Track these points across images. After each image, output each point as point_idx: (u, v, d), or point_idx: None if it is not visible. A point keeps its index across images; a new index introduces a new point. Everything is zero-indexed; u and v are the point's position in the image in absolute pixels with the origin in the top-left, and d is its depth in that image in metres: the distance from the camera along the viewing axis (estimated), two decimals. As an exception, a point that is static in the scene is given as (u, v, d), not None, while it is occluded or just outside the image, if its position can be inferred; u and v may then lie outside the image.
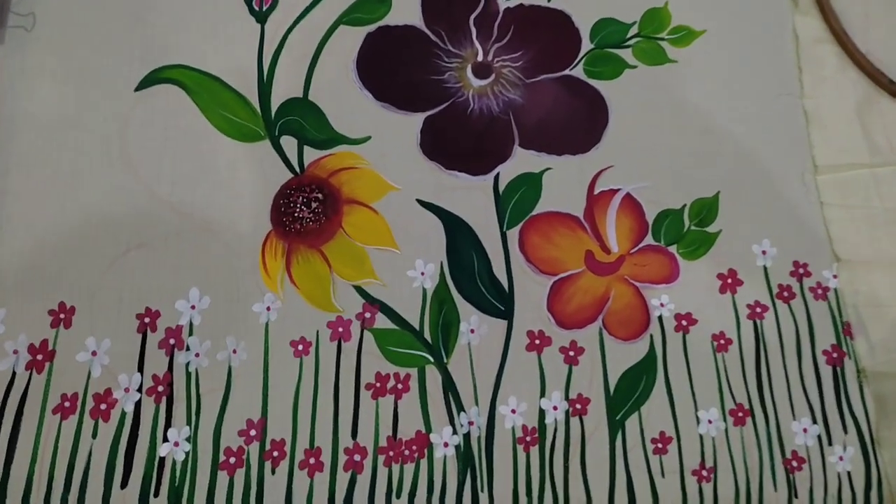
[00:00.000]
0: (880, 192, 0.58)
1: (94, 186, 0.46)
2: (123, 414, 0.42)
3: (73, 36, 0.49)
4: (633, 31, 0.60)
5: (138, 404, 0.43)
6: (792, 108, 0.60)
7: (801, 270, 0.55)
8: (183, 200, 0.47)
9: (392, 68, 0.55)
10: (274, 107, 0.51)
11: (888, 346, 0.53)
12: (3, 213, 0.44)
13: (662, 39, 0.60)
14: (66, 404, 0.42)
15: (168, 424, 0.43)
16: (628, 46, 0.59)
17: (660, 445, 0.48)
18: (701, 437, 0.49)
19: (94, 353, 0.43)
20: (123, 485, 0.41)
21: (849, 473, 0.49)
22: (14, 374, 0.42)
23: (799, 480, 0.49)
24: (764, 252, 0.55)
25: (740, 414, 0.50)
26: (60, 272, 0.44)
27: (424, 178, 0.52)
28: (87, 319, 0.43)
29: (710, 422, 0.49)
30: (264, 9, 0.54)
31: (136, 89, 0.50)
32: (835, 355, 0.52)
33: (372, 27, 0.56)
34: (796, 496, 0.48)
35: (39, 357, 0.42)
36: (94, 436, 0.42)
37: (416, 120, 0.53)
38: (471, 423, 0.46)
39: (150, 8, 0.51)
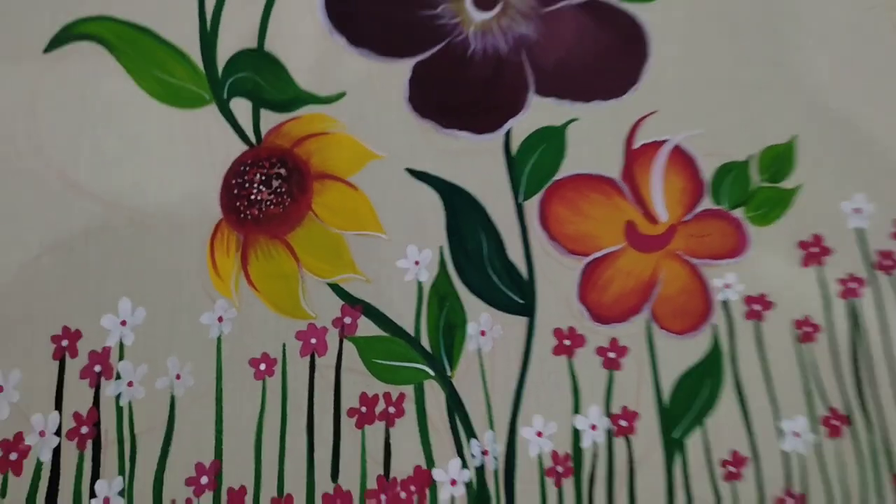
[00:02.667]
0: None
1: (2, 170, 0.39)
2: (39, 464, 0.35)
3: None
4: None
5: (57, 451, 0.35)
6: (884, 25, 0.49)
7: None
8: (107, 187, 0.39)
9: (370, 4, 0.46)
10: (221, 62, 0.43)
11: None
12: None
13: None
14: (-33, 456, 0.35)
15: (95, 475, 0.35)
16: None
17: (732, 469, 0.39)
18: (786, 454, 0.40)
19: (1, 388, 0.36)
20: None
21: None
22: None
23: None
24: (857, 210, 0.45)
25: (836, 422, 0.41)
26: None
27: (416, 142, 0.43)
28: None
29: (796, 434, 0.40)
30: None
31: (46, 50, 0.41)
32: None
33: (343, -47, 0.46)
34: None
35: (-69, 397, 0.35)
36: (3, 494, 0.35)
37: (404, 67, 0.45)
38: (485, 453, 0.38)
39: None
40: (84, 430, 0.36)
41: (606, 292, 0.42)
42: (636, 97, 0.46)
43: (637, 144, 0.45)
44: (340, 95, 0.44)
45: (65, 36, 0.42)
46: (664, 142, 0.45)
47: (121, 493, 0.35)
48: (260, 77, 0.43)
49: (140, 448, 0.36)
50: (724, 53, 0.47)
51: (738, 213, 0.44)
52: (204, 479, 0.36)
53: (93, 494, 0.35)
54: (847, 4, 0.49)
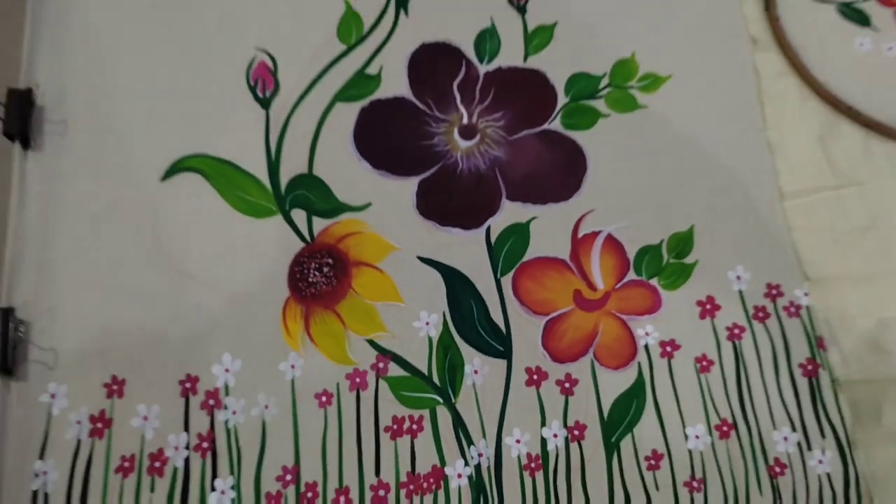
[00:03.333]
0: (845, 212, 0.67)
1: (132, 269, 0.56)
2: (175, 469, 0.52)
3: (101, 138, 0.60)
4: (605, 82, 0.70)
5: (187, 460, 0.52)
6: (756, 141, 0.69)
7: (774, 291, 0.64)
8: (210, 276, 0.57)
9: (386, 138, 0.65)
10: (283, 184, 0.61)
11: (859, 355, 0.61)
12: (56, 301, 0.54)
13: (632, 88, 0.70)
14: (126, 464, 0.51)
15: (214, 475, 0.52)
16: (601, 97, 0.69)
17: (653, 462, 0.57)
18: (690, 451, 0.58)
19: (145, 418, 0.53)
20: None
21: (828, 475, 0.58)
22: (79, 441, 0.51)
23: (782, 485, 0.57)
24: (738, 277, 0.64)
25: (725, 428, 0.59)
26: (110, 349, 0.54)
27: (422, 237, 0.61)
28: (138, 389, 0.53)
29: (697, 437, 0.58)
30: (267, 95, 0.64)
31: (162, 179, 0.60)
32: (810, 367, 0.61)
33: (365, 102, 0.66)
34: (780, 499, 0.57)
35: (99, 425, 0.52)
36: (153, 490, 0.51)
37: (412, 184, 0.63)
38: (480, 455, 0.55)
39: (166, 104, 0.61)
40: (205, 445, 0.53)
41: (562, 341, 0.60)
42: (579, 200, 0.65)
43: (581, 234, 0.64)
44: (367, 205, 0.62)
45: (175, 169, 0.60)
46: (600, 232, 0.64)
47: (232, 488, 0.52)
48: (311, 193, 0.61)
49: (243, 456, 0.53)
50: (641, 166, 0.67)
51: (654, 281, 0.63)
52: (288, 477, 0.53)
53: (213, 489, 0.52)
54: (727, 131, 0.69)
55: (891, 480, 0.58)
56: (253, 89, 0.64)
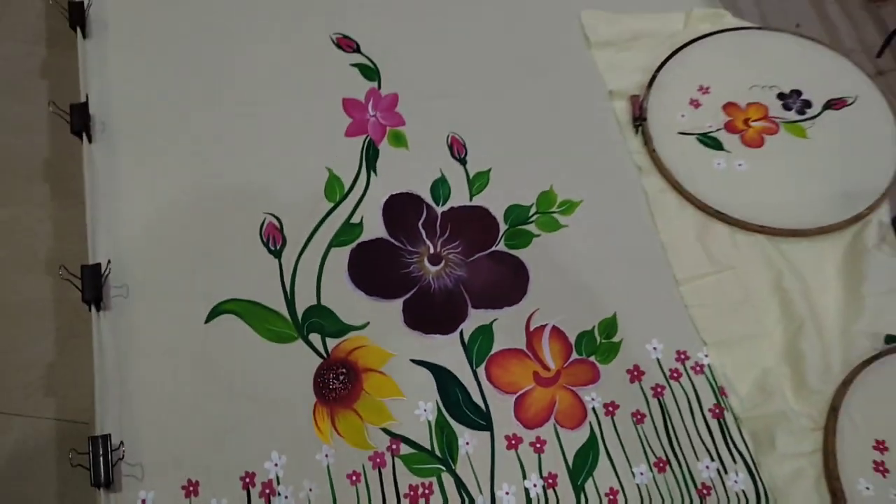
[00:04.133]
0: (724, 291, 0.88)
1: (189, 392, 0.72)
2: (246, 547, 0.66)
3: (155, 292, 0.76)
4: (533, 210, 0.91)
5: (254, 539, 0.66)
6: (652, 243, 0.91)
7: (682, 356, 0.83)
8: (253, 393, 0.73)
9: (373, 270, 0.84)
10: (299, 315, 0.79)
11: (752, 398, 0.81)
12: (138, 426, 0.69)
13: (554, 212, 0.91)
14: (208, 547, 0.65)
15: (278, 547, 0.66)
16: (532, 222, 0.90)
17: (611, 497, 0.74)
18: (637, 485, 0.75)
19: None
20: None
21: (743, 492, 0.76)
22: (168, 534, 0.65)
23: (710, 503, 0.75)
24: (655, 348, 0.84)
25: (661, 464, 0.76)
26: (184, 459, 0.68)
27: (412, 344, 0.79)
28: (209, 488, 0.68)
29: (642, 474, 0.76)
30: (278, 248, 0.83)
31: (206, 321, 0.76)
32: (717, 411, 0.80)
33: (353, 245, 0.85)
34: (709, 513, 0.74)
35: (182, 519, 0.66)
36: (229, 565, 0.65)
37: (398, 303, 0.82)
38: None
39: (206, 258, 0.79)
40: None
41: (529, 412, 0.78)
42: (527, 302, 0.84)
43: (532, 328, 0.83)
44: (366, 324, 0.80)
45: (215, 311, 0.77)
46: (546, 325, 0.83)
47: None
48: (322, 320, 0.79)
49: None
50: (570, 271, 0.87)
51: (592, 358, 0.82)
52: (334, 543, 0.68)
53: None
54: (629, 237, 0.91)
55: (789, 490, 0.76)
56: (266, 244, 0.82)
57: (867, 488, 0.74)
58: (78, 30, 0.92)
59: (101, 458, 0.65)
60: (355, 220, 0.86)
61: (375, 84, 0.98)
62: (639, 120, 0.99)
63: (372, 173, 0.90)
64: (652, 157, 0.98)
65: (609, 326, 0.84)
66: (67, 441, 0.82)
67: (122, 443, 0.68)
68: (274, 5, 1.01)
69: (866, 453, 0.76)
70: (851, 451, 0.76)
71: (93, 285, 0.73)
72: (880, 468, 0.75)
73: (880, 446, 0.76)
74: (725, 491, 0.75)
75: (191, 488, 0.67)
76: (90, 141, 0.85)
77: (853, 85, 1.03)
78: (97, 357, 0.71)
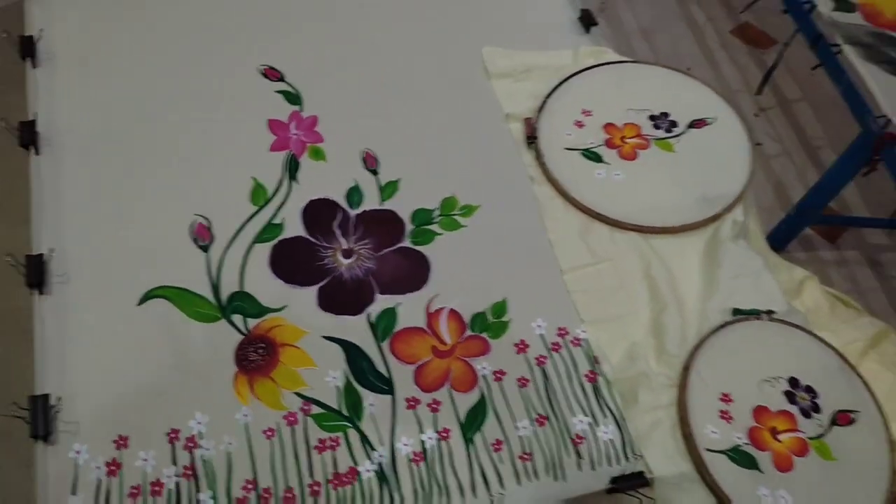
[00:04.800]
0: (602, 279, 1.02)
1: (121, 363, 0.81)
2: (170, 490, 0.75)
3: (92, 280, 0.86)
4: (437, 213, 1.04)
5: (178, 484, 0.76)
6: (541, 241, 1.04)
7: (563, 332, 0.96)
8: (179, 364, 0.83)
9: (292, 262, 0.95)
10: (223, 299, 0.89)
11: (621, 365, 0.94)
12: (76, 389, 0.78)
13: (455, 215, 1.04)
14: (135, 491, 0.74)
15: (198, 490, 0.76)
16: (435, 223, 1.03)
17: (497, 447, 0.85)
18: (520, 437, 0.86)
19: (145, 460, 0.76)
20: None
21: (611, 440, 0.88)
22: (99, 480, 0.74)
23: (582, 450, 0.87)
24: (539, 325, 0.96)
25: (541, 420, 0.88)
26: (116, 418, 0.78)
27: (324, 323, 0.90)
28: (137, 442, 0.77)
29: (524, 428, 0.87)
30: (206, 243, 0.94)
31: (138, 304, 0.87)
32: (591, 376, 0.93)
33: (275, 241, 0.96)
34: (581, 458, 0.86)
35: (113, 468, 0.75)
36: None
37: (314, 290, 0.93)
38: (381, 457, 0.82)
39: (139, 252, 0.89)
40: (189, 472, 0.77)
41: (427, 379, 0.89)
42: (428, 289, 0.96)
43: (432, 310, 0.95)
44: (284, 307, 0.91)
45: (147, 296, 0.88)
46: (444, 308, 0.96)
47: (212, 498, 0.76)
48: (244, 303, 0.90)
49: (217, 477, 0.77)
50: (467, 264, 1.00)
51: (485, 335, 0.94)
52: (250, 486, 0.77)
53: (198, 501, 0.75)
54: (521, 236, 1.04)
55: (650, 437, 0.88)
56: (195, 241, 0.93)
57: (714, 432, 0.87)
58: (28, 60, 1.04)
59: (40, 414, 0.74)
60: (277, 220, 0.98)
61: (298, 108, 1.11)
62: (531, 138, 1.14)
63: (293, 182, 1.02)
64: (542, 169, 1.12)
65: (500, 309, 0.96)
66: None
67: (59, 399, 0.77)
68: (208, 41, 1.15)
69: (713, 404, 0.89)
70: (701, 403, 0.89)
71: (36, 272, 0.83)
72: (725, 416, 0.88)
73: (725, 398, 0.89)
74: (596, 440, 0.87)
75: (121, 442, 0.76)
76: (37, 153, 0.95)
77: (713, 108, 1.20)
78: (38, 332, 0.80)
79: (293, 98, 1.12)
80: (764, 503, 0.84)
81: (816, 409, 0.91)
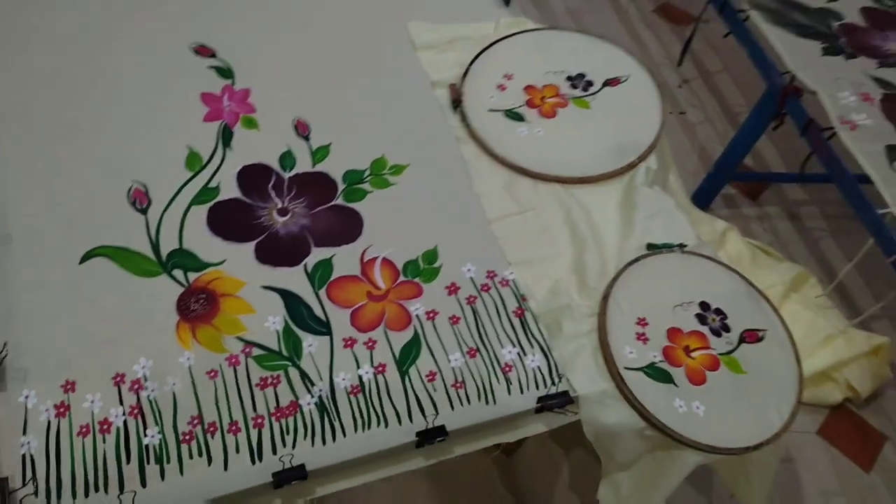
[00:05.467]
0: (527, 226, 1.09)
1: (67, 316, 0.85)
2: (118, 428, 0.79)
3: (35, 241, 0.90)
4: (367, 172, 1.10)
5: (125, 422, 0.80)
6: (469, 194, 1.11)
7: (491, 274, 1.03)
8: (123, 315, 0.87)
9: (229, 221, 1.00)
10: (164, 256, 0.94)
11: (546, 300, 1.01)
12: (24, 339, 0.82)
13: (385, 174, 1.11)
14: (84, 430, 0.78)
15: (145, 427, 0.80)
16: (366, 182, 1.09)
17: (430, 377, 0.91)
18: (452, 368, 0.93)
19: (92, 402, 0.80)
20: (128, 461, 0.77)
21: (538, 367, 0.95)
22: (49, 421, 0.78)
23: (511, 377, 0.93)
24: (469, 269, 1.03)
25: (472, 352, 0.94)
26: (63, 365, 0.82)
27: (262, 275, 0.95)
28: (84, 386, 0.81)
29: (456, 360, 0.93)
30: (143, 207, 0.98)
31: (80, 262, 0.91)
32: (519, 312, 1.00)
33: (211, 203, 1.01)
34: (510, 384, 0.92)
35: (62, 410, 0.79)
36: (104, 442, 0.78)
37: (251, 245, 0.98)
38: (321, 391, 0.87)
39: (80, 215, 0.93)
40: (136, 411, 0.81)
41: (363, 320, 0.95)
42: (361, 241, 1.02)
43: (365, 260, 1.01)
44: (223, 261, 0.96)
45: (88, 255, 0.92)
46: (377, 257, 1.01)
47: (158, 432, 0.80)
48: (184, 259, 0.94)
49: (163, 414, 0.81)
50: (397, 218, 1.06)
51: (417, 280, 1.00)
52: (196, 421, 0.82)
53: (146, 435, 0.79)
54: (451, 191, 1.11)
55: (574, 362, 0.95)
56: (133, 204, 0.98)
57: (631, 353, 0.94)
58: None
59: (-12, 362, 0.77)
60: (212, 185, 1.02)
61: (230, 82, 1.16)
62: (456, 102, 1.21)
63: (227, 149, 1.07)
64: (468, 130, 1.19)
65: (431, 256, 1.02)
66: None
67: (5, 344, 0.80)
68: (141, 20, 1.19)
69: (630, 328, 0.96)
70: (619, 327, 0.96)
71: (-21, 234, 0.87)
72: (641, 338, 0.96)
73: (641, 322, 0.97)
74: (524, 368, 0.94)
75: (68, 386, 0.80)
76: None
77: (626, 67, 1.29)
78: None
79: (225, 73, 1.17)
80: (679, 411, 0.91)
81: (726, 328, 0.99)
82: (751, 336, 0.99)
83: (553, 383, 0.92)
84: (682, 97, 1.92)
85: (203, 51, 1.19)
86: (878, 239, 1.15)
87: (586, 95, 1.25)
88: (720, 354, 0.96)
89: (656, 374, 0.93)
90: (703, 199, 1.64)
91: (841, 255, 1.43)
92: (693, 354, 0.95)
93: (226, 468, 0.79)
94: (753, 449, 0.91)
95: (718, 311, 1.00)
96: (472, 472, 1.11)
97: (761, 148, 1.81)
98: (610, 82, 1.26)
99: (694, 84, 1.99)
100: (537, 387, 0.92)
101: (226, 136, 1.08)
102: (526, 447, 1.17)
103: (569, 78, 1.27)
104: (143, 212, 0.97)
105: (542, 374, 0.93)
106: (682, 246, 1.06)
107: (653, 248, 1.05)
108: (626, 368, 0.93)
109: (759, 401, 0.95)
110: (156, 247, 0.94)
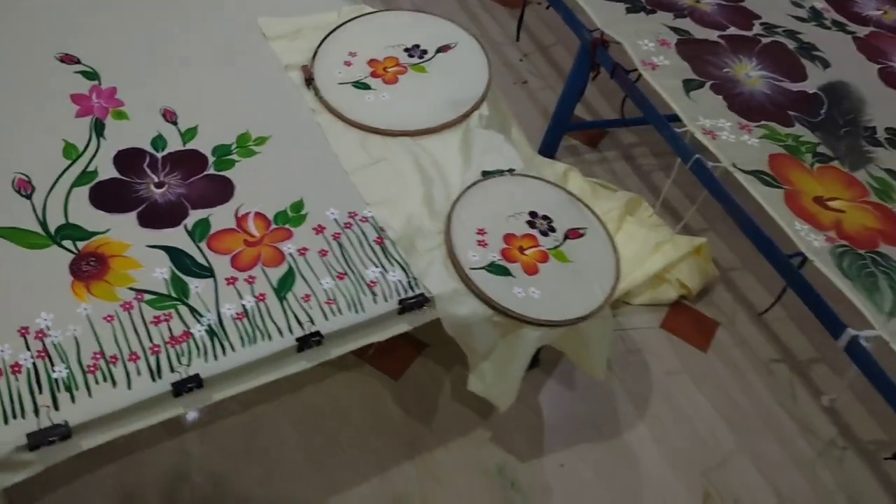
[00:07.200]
0: (380, 173, 1.25)
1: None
2: (28, 369, 0.90)
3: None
4: (234, 146, 1.24)
5: (34, 363, 0.90)
6: (328, 154, 1.26)
7: (353, 214, 1.18)
8: (25, 281, 0.98)
9: (110, 197, 1.12)
10: (52, 231, 1.05)
11: (402, 228, 1.17)
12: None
13: (250, 146, 1.25)
14: (-4, 374, 0.89)
15: (53, 366, 0.91)
16: (234, 153, 1.23)
17: (306, 299, 1.05)
18: (324, 289, 1.07)
19: (2, 350, 0.91)
20: (40, 392, 0.88)
21: (399, 280, 1.10)
22: (-37, 371, 0.88)
23: (376, 290, 1.08)
24: (332, 213, 1.18)
25: (341, 276, 1.09)
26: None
27: (146, 237, 1.08)
28: (-8, 339, 0.91)
29: (327, 283, 1.08)
30: (28, 193, 1.09)
31: (-26, 243, 1.01)
32: (379, 240, 1.15)
33: (92, 184, 1.13)
34: (376, 295, 1.08)
35: (-27, 361, 0.89)
36: (17, 380, 0.89)
37: (133, 215, 1.10)
38: (209, 320, 1.00)
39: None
40: (43, 354, 0.92)
41: (242, 262, 1.08)
42: (233, 201, 1.16)
43: (239, 215, 1.14)
44: (108, 230, 1.07)
45: (-19, 237, 1.02)
46: (250, 212, 1.15)
47: (66, 368, 0.91)
48: (71, 231, 1.06)
49: (68, 354, 0.92)
50: (266, 176, 1.20)
51: (287, 225, 1.14)
52: (97, 356, 0.93)
53: (54, 371, 0.90)
54: (303, 153, 1.26)
55: (428, 272, 1.11)
56: (18, 192, 1.08)
57: (474, 256, 1.11)
58: None
59: None
60: (91, 168, 1.14)
61: (97, 83, 1.28)
62: (309, 80, 1.36)
63: (101, 139, 1.19)
64: (322, 103, 1.34)
65: (297, 206, 1.17)
66: None
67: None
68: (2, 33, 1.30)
69: (472, 237, 1.14)
70: (462, 238, 1.13)
71: None
72: (482, 244, 1.13)
73: (481, 232, 1.15)
74: (387, 282, 1.09)
75: (-24, 341, 0.91)
76: None
77: (454, 36, 1.48)
78: None
79: (91, 75, 1.29)
80: (518, 297, 1.09)
81: (552, 230, 1.18)
82: (573, 234, 1.18)
83: (412, 289, 1.08)
84: (523, 69, 2.13)
85: (67, 59, 1.30)
86: (678, 151, 1.37)
87: (422, 62, 1.43)
88: (549, 249, 1.15)
89: (496, 269, 1.11)
90: (548, 150, 1.86)
91: (672, 186, 1.66)
92: (526, 252, 1.14)
93: (129, 388, 0.91)
94: (583, 319, 1.10)
95: (545, 217, 1.19)
96: (362, 394, 1.26)
97: (595, 104, 2.04)
98: (442, 49, 1.45)
99: (533, 57, 2.20)
100: (399, 294, 1.08)
101: (98, 128, 1.20)
102: (411, 371, 1.33)
103: (406, 49, 1.45)
104: (28, 197, 1.07)
105: (402, 285, 1.09)
106: (511, 170, 1.25)
107: (487, 175, 1.23)
108: (470, 269, 1.10)
109: (584, 282, 1.14)
110: (44, 224, 1.05)
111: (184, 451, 1.23)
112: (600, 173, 1.89)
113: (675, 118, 1.42)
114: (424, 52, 1.44)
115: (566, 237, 1.18)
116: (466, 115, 1.35)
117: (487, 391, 1.16)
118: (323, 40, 1.44)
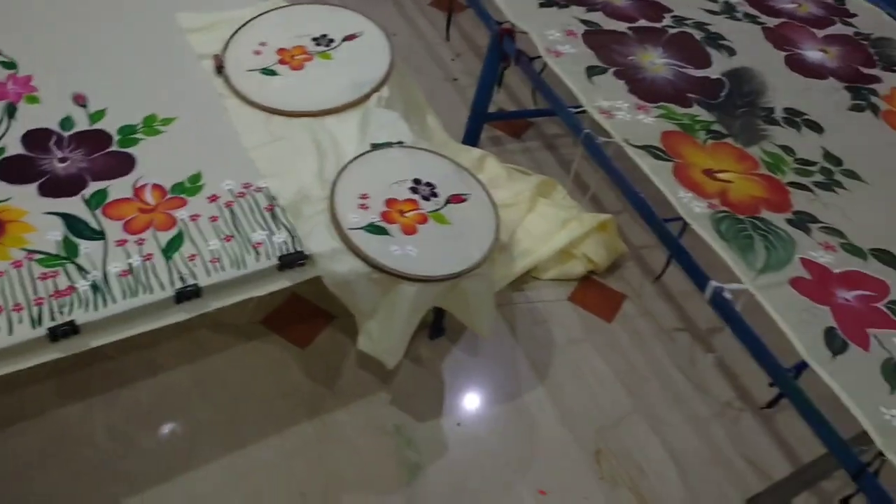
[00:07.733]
0: (278, 150, 1.33)
1: None
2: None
3: None
4: (140, 126, 1.32)
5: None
6: (233, 135, 1.34)
7: (247, 186, 1.25)
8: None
9: (14, 170, 1.19)
10: (-46, 199, 1.12)
11: (291, 198, 1.24)
12: None
13: (156, 126, 1.32)
14: None
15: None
16: (139, 133, 1.31)
17: (191, 259, 1.12)
18: (210, 250, 1.14)
19: None
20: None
21: (285, 241, 1.17)
22: None
23: (261, 250, 1.15)
24: (228, 184, 1.25)
25: (228, 238, 1.16)
26: None
27: (44, 205, 1.15)
28: None
29: (213, 243, 1.15)
30: (-65, 166, 1.16)
31: None
32: (269, 207, 1.22)
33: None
34: (259, 255, 1.15)
35: None
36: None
37: (34, 186, 1.18)
38: (94, 277, 1.07)
39: None
40: None
41: (135, 226, 1.15)
42: (134, 174, 1.23)
43: (137, 186, 1.22)
44: (8, 199, 1.15)
45: None
46: (147, 183, 1.23)
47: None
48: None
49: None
50: (161, 154, 1.28)
51: (183, 195, 1.22)
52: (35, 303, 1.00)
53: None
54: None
55: (311, 234, 1.18)
56: (-75, 166, 1.16)
57: (354, 217, 1.19)
58: None
59: None
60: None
61: (14, 72, 1.36)
62: (220, 68, 1.45)
63: (12, 120, 1.27)
64: (231, 89, 1.42)
65: (195, 178, 1.24)
66: None
67: None
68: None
69: (354, 202, 1.21)
70: (344, 203, 1.21)
71: None
72: (363, 207, 1.21)
73: (363, 196, 1.22)
74: (272, 244, 1.16)
75: None
76: None
77: (361, 26, 1.56)
78: None
79: (8, 65, 1.37)
80: (395, 254, 1.16)
81: (435, 195, 1.25)
82: (456, 199, 1.26)
83: (295, 250, 1.15)
84: (455, 67, 2.22)
85: (-13, 51, 1.38)
86: (571, 127, 1.45)
87: (328, 49, 1.51)
88: (429, 212, 1.22)
89: (374, 229, 1.18)
90: (470, 140, 1.94)
91: (590, 170, 1.73)
92: (406, 214, 1.21)
93: (10, 333, 0.97)
94: (458, 276, 1.17)
95: (429, 184, 1.27)
96: (268, 361, 1.32)
97: (521, 97, 2.12)
98: (348, 38, 1.54)
99: (465, 56, 2.30)
100: (281, 253, 1.15)
101: (10, 111, 1.28)
102: (318, 340, 1.39)
103: (314, 39, 1.53)
104: (-47, 179, 1.15)
105: (287, 246, 1.16)
106: (400, 143, 1.33)
107: (376, 146, 1.31)
108: (350, 229, 1.17)
109: (462, 243, 1.21)
110: (-42, 197, 1.12)
111: (90, 415, 1.29)
112: (522, 162, 1.97)
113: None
114: (331, 40, 1.53)
115: (447, 202, 1.25)
116: (367, 97, 1.43)
117: (374, 348, 1.22)
118: (235, 32, 1.52)
